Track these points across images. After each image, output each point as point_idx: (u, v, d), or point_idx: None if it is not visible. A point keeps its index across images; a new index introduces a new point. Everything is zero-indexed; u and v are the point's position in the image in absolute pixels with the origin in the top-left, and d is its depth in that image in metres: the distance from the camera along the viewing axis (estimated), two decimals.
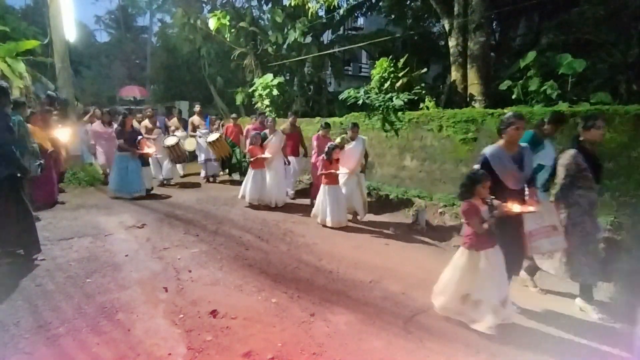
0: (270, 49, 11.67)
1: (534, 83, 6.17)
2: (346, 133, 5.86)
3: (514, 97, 6.45)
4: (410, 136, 6.71)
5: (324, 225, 5.41)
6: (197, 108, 9.26)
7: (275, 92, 10.27)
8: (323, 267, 3.98)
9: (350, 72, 18.35)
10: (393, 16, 11.77)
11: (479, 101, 7.01)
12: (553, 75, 6.21)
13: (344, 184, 5.61)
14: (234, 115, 9.60)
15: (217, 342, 2.59)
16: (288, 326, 2.82)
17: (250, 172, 6.38)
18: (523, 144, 3.10)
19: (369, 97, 7.39)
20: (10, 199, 3.70)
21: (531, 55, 6.50)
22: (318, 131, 6.44)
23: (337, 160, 5.38)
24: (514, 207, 2.72)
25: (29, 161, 5.14)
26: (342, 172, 5.51)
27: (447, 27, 7.71)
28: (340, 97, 8.16)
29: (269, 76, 10.55)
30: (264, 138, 6.43)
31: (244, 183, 6.49)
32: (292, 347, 2.55)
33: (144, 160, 7.03)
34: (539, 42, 8.52)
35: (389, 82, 7.37)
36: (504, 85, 6.74)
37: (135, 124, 7.96)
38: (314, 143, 6.28)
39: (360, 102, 7.48)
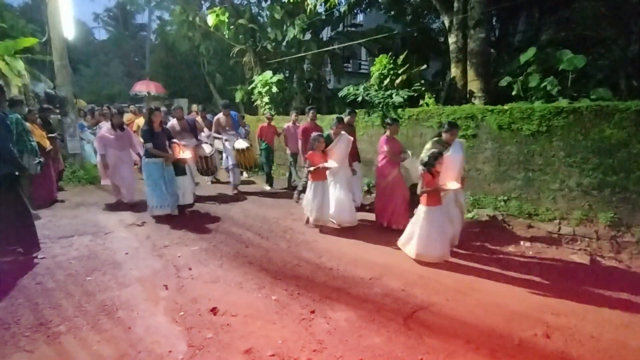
0: (269, 46, 11.64)
1: (534, 79, 6.15)
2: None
3: (514, 93, 6.43)
4: (410, 133, 6.69)
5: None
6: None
7: (274, 89, 10.25)
8: (323, 264, 3.98)
9: (349, 69, 18.30)
10: (392, 13, 11.72)
11: (478, 98, 6.99)
12: (553, 71, 6.19)
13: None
14: (268, 113, 8.00)
15: (218, 340, 2.60)
16: (288, 323, 2.82)
17: (310, 186, 5.07)
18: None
19: (368, 94, 7.37)
20: (9, 198, 3.69)
21: (531, 51, 6.48)
22: (385, 133, 5.22)
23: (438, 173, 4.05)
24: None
25: (27, 159, 5.15)
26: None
27: (446, 23, 7.68)
28: (340, 94, 8.14)
29: (268, 73, 10.52)
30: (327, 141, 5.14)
31: (306, 201, 5.17)
32: (293, 344, 2.55)
33: (178, 168, 5.58)
34: (539, 38, 8.50)
35: (388, 79, 7.34)
36: (504, 82, 6.72)
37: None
38: (383, 145, 5.07)
39: (359, 99, 7.46)
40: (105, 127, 6.44)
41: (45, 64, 10.12)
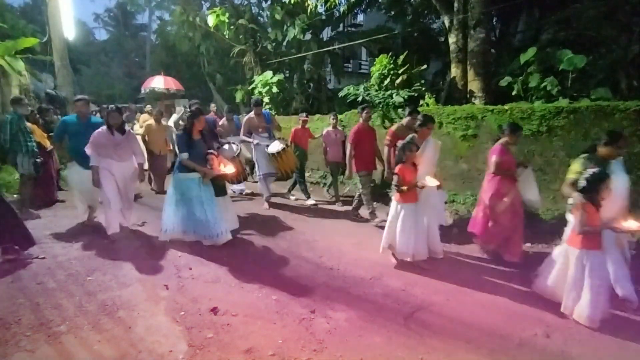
0: (269, 46, 11.66)
1: (534, 79, 6.16)
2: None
3: (514, 93, 6.43)
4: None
5: None
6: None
7: (274, 89, 10.26)
8: (323, 264, 3.98)
9: (350, 69, 18.29)
10: (393, 13, 11.73)
11: (479, 98, 7.00)
12: (553, 71, 6.20)
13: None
14: (304, 114, 6.72)
15: (218, 339, 2.60)
16: (288, 323, 2.82)
17: (398, 211, 3.80)
18: None
19: (368, 94, 7.38)
20: None
21: (531, 51, 6.49)
22: (500, 140, 4.01)
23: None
24: None
25: (21, 160, 5.16)
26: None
27: (447, 23, 7.68)
28: (340, 94, 8.15)
29: (268, 73, 10.53)
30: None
31: (388, 230, 3.90)
32: (293, 344, 2.55)
33: (218, 186, 4.47)
34: (539, 38, 8.49)
35: (388, 79, 7.36)
36: (504, 82, 6.73)
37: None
38: (495, 156, 3.89)
39: (360, 99, 7.47)
40: (99, 129, 4.56)
41: (46, 64, 10.13)
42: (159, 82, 12.97)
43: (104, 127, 4.47)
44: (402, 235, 3.76)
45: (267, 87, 10.33)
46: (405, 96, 6.90)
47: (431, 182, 3.72)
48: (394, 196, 3.89)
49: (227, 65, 14.16)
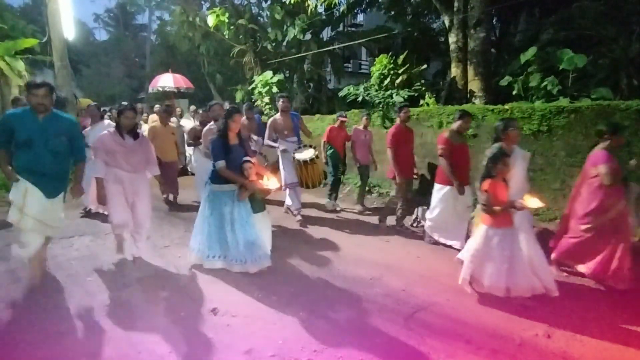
0: (269, 46, 11.64)
1: (534, 79, 6.15)
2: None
3: (514, 93, 6.43)
4: None
5: None
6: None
7: (274, 89, 10.25)
8: (323, 264, 3.98)
9: (350, 69, 18.29)
10: (393, 12, 11.72)
11: (479, 97, 7.00)
12: (554, 70, 6.19)
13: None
14: (344, 114, 6.17)
15: (218, 340, 2.59)
16: (289, 323, 2.81)
17: (488, 235, 3.14)
18: None
19: (368, 94, 7.37)
20: None
21: (532, 50, 6.48)
22: (600, 145, 3.49)
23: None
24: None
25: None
26: None
27: (447, 23, 7.68)
28: (340, 94, 8.15)
29: (268, 73, 10.52)
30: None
31: (473, 258, 3.22)
32: (293, 345, 2.55)
33: (255, 201, 3.74)
34: (539, 37, 8.49)
35: (388, 79, 7.35)
36: (504, 81, 6.72)
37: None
38: (601, 164, 3.31)
39: (360, 99, 7.46)
40: (106, 131, 3.82)
41: (46, 64, 10.13)
42: (168, 81, 11.69)
43: (112, 129, 3.76)
44: (494, 265, 3.07)
45: (267, 87, 10.32)
46: (406, 96, 6.90)
47: (534, 202, 3.01)
48: (482, 219, 3.22)
49: (227, 66, 14.12)
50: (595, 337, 2.67)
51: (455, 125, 4.31)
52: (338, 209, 6.02)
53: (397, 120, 4.97)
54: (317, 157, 5.12)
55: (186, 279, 3.56)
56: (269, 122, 5.55)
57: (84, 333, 2.66)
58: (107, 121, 5.56)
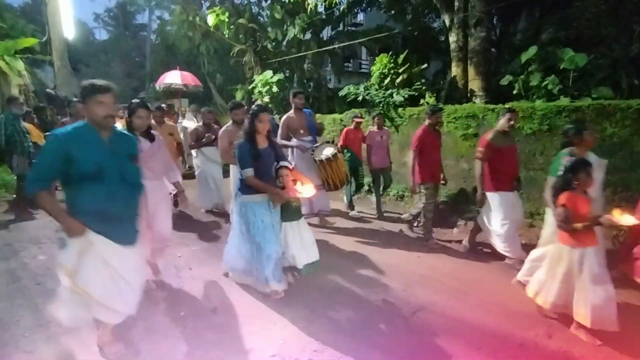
0: (269, 46, 11.63)
1: (535, 78, 6.13)
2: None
3: (515, 92, 6.41)
4: (410, 132, 6.65)
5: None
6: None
7: (275, 89, 10.24)
8: (324, 263, 3.96)
9: (350, 69, 18.28)
10: (393, 12, 11.71)
11: (479, 97, 6.98)
12: (554, 70, 6.18)
13: None
14: (358, 114, 5.99)
15: (218, 340, 2.59)
16: (289, 323, 2.81)
17: (577, 258, 2.62)
18: None
19: (369, 93, 7.36)
20: None
21: (532, 50, 6.46)
22: None
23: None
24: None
25: (17, 160, 5.14)
26: None
27: (447, 22, 7.66)
28: (340, 93, 8.13)
29: (268, 73, 10.52)
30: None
31: (546, 282, 2.79)
32: (294, 345, 2.54)
33: (289, 209, 3.33)
34: (540, 37, 8.47)
35: (389, 78, 7.34)
36: (504, 81, 6.70)
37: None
38: None
39: (360, 98, 7.45)
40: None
41: (46, 64, 10.14)
42: (175, 78, 11.00)
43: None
44: (586, 293, 2.56)
45: (267, 87, 10.31)
46: (406, 95, 6.89)
47: (627, 219, 2.57)
48: (560, 239, 2.75)
49: (227, 65, 14.12)
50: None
51: (499, 124, 3.89)
52: (358, 215, 5.73)
53: (425, 123, 4.54)
54: (339, 151, 4.78)
55: (186, 278, 3.55)
56: (282, 120, 5.19)
57: (84, 333, 2.64)
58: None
